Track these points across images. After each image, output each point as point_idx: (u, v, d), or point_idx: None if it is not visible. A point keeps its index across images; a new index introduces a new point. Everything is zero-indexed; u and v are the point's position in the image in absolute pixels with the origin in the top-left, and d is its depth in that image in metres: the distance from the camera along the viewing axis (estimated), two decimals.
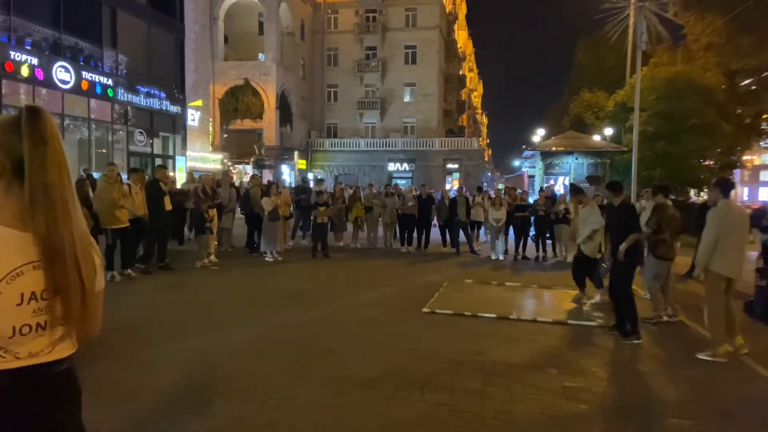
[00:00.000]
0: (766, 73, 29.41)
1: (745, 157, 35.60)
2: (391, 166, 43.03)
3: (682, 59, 29.97)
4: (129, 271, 9.60)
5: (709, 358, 5.64)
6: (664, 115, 23.82)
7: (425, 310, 7.61)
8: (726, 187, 6.01)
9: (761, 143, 36.64)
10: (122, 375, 4.83)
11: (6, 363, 1.48)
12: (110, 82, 20.29)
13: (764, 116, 31.25)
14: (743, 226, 5.91)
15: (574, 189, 9.15)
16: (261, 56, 38.90)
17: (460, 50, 59.63)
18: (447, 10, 50.49)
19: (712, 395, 4.75)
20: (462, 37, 64.77)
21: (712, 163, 28.36)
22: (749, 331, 6.77)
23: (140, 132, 22.31)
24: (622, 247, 6.42)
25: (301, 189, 15.60)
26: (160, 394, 4.43)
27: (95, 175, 15.70)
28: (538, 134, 38.26)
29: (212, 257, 11.29)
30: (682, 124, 23.63)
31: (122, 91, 20.98)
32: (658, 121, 23.80)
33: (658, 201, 7.77)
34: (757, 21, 26.63)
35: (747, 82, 30.71)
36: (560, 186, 20.92)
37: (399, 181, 30.78)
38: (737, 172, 41.92)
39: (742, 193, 67.18)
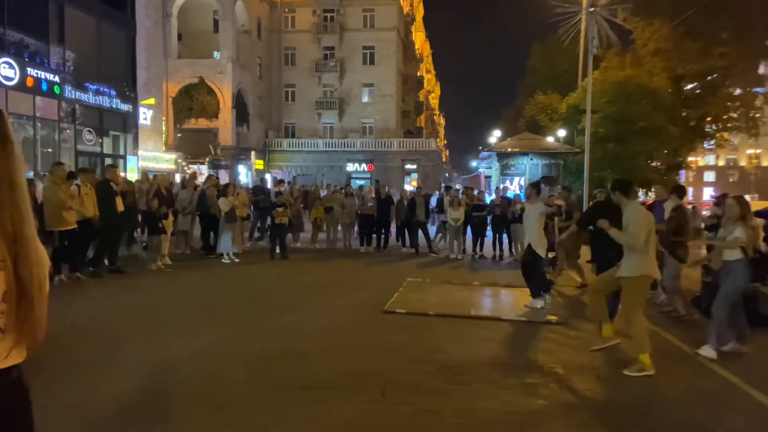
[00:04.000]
0: (710, 78, 30.73)
1: (690, 159, 37.16)
2: (350, 167, 42.93)
3: (630, 63, 31.04)
4: (78, 274, 9.24)
5: (637, 374, 5.12)
6: (614, 117, 24.63)
7: (385, 310, 7.59)
8: (625, 188, 5.51)
9: (705, 145, 38.24)
10: (72, 384, 4.61)
11: None
12: (57, 79, 19.49)
13: (708, 119, 32.64)
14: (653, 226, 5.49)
15: (533, 183, 9.13)
16: (216, 54, 38.19)
17: (417, 52, 60.06)
18: (405, 12, 50.78)
19: (667, 390, 4.88)
20: (419, 38, 65.25)
21: (659, 164, 29.48)
22: (697, 327, 7.01)
23: (89, 131, 21.49)
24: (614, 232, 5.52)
25: (259, 189, 15.42)
26: (114, 404, 4.24)
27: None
28: (495, 135, 39.04)
29: (165, 259, 11.00)
30: (631, 126, 24.49)
31: (70, 88, 20.17)
32: (609, 123, 24.59)
33: (675, 201, 7.63)
34: (701, 27, 27.78)
35: (692, 86, 32.02)
36: (516, 187, 21.26)
37: (358, 182, 30.72)
38: (683, 172, 43.61)
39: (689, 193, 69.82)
